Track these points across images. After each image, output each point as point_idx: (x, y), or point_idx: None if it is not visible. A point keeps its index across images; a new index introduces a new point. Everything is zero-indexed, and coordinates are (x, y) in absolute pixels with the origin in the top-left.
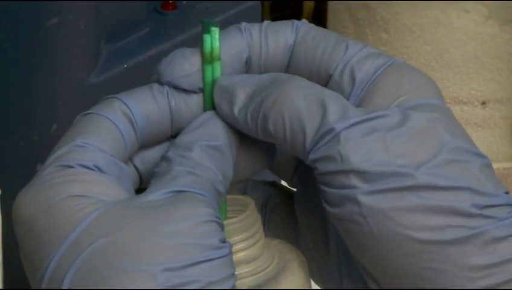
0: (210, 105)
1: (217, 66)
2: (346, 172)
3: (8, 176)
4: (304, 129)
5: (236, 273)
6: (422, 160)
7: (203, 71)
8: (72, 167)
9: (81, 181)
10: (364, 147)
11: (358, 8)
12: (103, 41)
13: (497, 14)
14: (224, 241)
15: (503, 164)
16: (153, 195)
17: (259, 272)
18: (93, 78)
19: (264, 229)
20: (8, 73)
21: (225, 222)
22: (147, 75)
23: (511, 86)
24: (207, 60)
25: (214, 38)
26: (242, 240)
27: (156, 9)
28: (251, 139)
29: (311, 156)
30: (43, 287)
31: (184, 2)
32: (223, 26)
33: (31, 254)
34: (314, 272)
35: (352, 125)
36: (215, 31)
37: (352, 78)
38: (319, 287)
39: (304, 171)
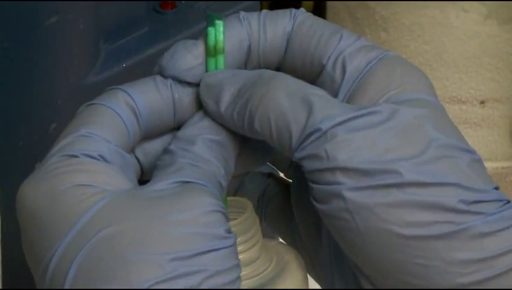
0: None
1: (221, 59)
2: (331, 169)
3: (8, 175)
4: (290, 128)
5: None
6: (409, 156)
7: (206, 64)
8: (76, 156)
9: (86, 170)
10: (350, 145)
11: (357, 7)
12: (102, 41)
13: (496, 13)
14: (229, 232)
15: (502, 163)
16: (159, 185)
17: (258, 275)
18: (92, 77)
19: (261, 221)
20: (7, 72)
21: None
22: (146, 74)
23: (510, 85)
24: (211, 53)
25: (218, 32)
26: (240, 243)
27: (155, 9)
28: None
29: (297, 155)
30: (48, 278)
31: (183, 1)
32: None
33: (35, 244)
34: (308, 265)
35: (338, 124)
36: (220, 24)
37: (344, 71)
38: (317, 288)
39: (297, 164)
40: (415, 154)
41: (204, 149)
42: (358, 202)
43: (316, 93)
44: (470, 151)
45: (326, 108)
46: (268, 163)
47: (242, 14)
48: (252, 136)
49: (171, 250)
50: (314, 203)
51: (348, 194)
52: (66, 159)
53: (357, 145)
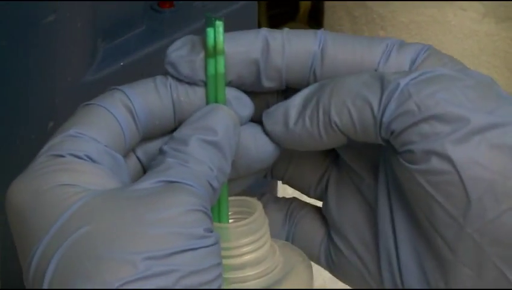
0: (212, 99)
1: (220, 60)
2: (426, 119)
3: (6, 174)
4: (369, 100)
5: (242, 275)
6: (490, 108)
7: (205, 64)
8: (63, 156)
9: (71, 170)
10: (435, 94)
11: (355, 6)
12: (100, 39)
13: (494, 12)
14: (210, 231)
15: None
16: (142, 184)
17: (265, 275)
18: (90, 76)
19: (290, 241)
20: (5, 71)
21: (233, 225)
22: (143, 72)
23: (507, 83)
24: (210, 53)
25: (217, 32)
26: (249, 243)
27: (153, 7)
28: (251, 138)
29: (385, 120)
30: (30, 276)
31: (181, 0)
32: None
33: (22, 242)
34: (361, 273)
35: (415, 78)
36: (219, 25)
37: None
38: (323, 289)
39: (336, 176)
40: (494, 107)
41: (197, 149)
42: (460, 151)
43: (383, 71)
44: None
45: (397, 74)
46: (290, 186)
47: (263, 30)
48: (330, 136)
49: (144, 249)
50: (409, 167)
51: (449, 145)
52: (52, 158)
53: (442, 96)
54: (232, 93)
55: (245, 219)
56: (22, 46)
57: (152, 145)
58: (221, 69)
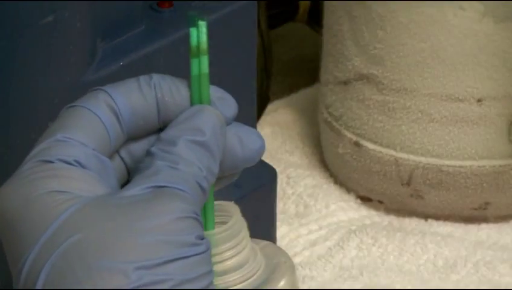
0: (196, 99)
1: (204, 60)
2: None
3: (4, 174)
4: None
5: (225, 281)
6: None
7: (190, 65)
8: (52, 162)
9: (61, 176)
10: None
11: (354, 5)
12: (99, 39)
13: (493, 11)
14: (202, 238)
15: (499, 161)
16: (132, 191)
17: (248, 279)
18: (89, 76)
19: None
20: (4, 71)
21: (211, 231)
22: (143, 72)
23: (507, 84)
24: (193, 53)
25: (200, 32)
26: (229, 248)
27: (152, 7)
28: (236, 138)
29: None
30: (21, 284)
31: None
32: (220, 25)
33: (12, 250)
34: None
35: None
36: (202, 25)
37: None
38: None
39: None
40: None
41: (186, 150)
42: None
43: None
44: None
45: None
46: None
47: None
48: None
49: (136, 258)
50: None
51: None
52: (41, 164)
53: None
54: (215, 93)
55: (223, 224)
56: (21, 46)
57: (136, 145)
58: (205, 69)
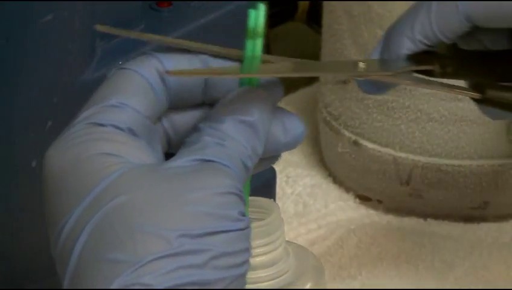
0: (246, 81)
1: (258, 43)
2: None
3: (4, 174)
4: None
5: (253, 276)
6: None
7: (245, 45)
8: (104, 125)
9: (112, 140)
10: None
11: (353, 4)
12: (98, 38)
13: None
14: (243, 215)
15: (498, 161)
16: (179, 161)
17: (277, 278)
18: (88, 75)
19: None
20: (3, 70)
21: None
22: None
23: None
24: (249, 34)
25: (259, 15)
26: (263, 245)
27: (151, 7)
28: (279, 122)
29: None
30: (60, 244)
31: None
32: (218, 24)
33: (54, 208)
34: None
35: None
36: (261, 8)
37: None
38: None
39: None
40: None
41: (233, 129)
42: None
43: None
44: None
45: None
46: None
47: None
48: None
49: (180, 226)
50: None
51: None
52: (92, 126)
53: None
54: (264, 77)
55: (261, 219)
56: (20, 46)
57: (178, 116)
58: (258, 52)
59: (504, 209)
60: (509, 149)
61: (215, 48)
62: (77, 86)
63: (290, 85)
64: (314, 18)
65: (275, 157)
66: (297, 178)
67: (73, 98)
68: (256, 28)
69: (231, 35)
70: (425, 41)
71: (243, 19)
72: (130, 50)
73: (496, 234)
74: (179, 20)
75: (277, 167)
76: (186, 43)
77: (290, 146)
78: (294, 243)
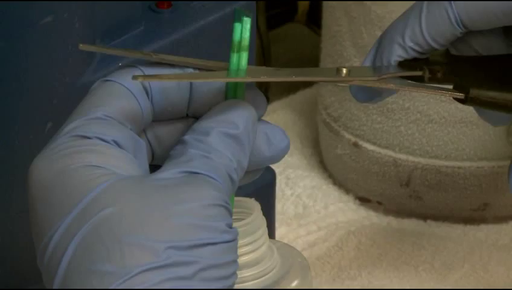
0: (231, 94)
1: (244, 56)
2: None
3: (4, 175)
4: None
5: (239, 276)
6: None
7: (229, 58)
8: (89, 138)
9: (98, 152)
10: None
11: (353, 6)
12: (98, 40)
13: None
14: (231, 227)
15: (498, 162)
16: (166, 173)
17: (263, 276)
18: (88, 77)
19: None
20: (3, 71)
21: None
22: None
23: None
24: (235, 48)
25: (244, 28)
26: (246, 244)
27: (151, 8)
28: (263, 136)
29: None
30: (47, 256)
31: (179, 0)
32: (218, 25)
33: (41, 219)
34: None
35: None
36: (247, 21)
37: None
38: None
39: None
40: None
41: (219, 142)
42: None
43: None
44: None
45: None
46: None
47: None
48: None
49: (168, 238)
50: None
51: None
52: (78, 139)
53: None
54: (248, 91)
55: (243, 219)
56: (20, 47)
57: (162, 128)
58: (243, 65)
59: (504, 210)
60: (509, 151)
61: (200, 62)
62: (77, 87)
63: (291, 86)
64: (314, 19)
65: (259, 170)
66: (297, 180)
67: (73, 99)
68: (242, 42)
69: (231, 36)
70: (417, 48)
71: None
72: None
73: (496, 235)
74: (178, 22)
75: (277, 168)
76: (170, 58)
77: (274, 159)
78: (278, 241)
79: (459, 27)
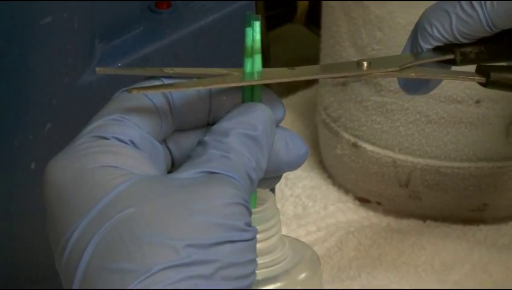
0: (248, 98)
1: (258, 58)
2: None
3: (3, 175)
4: None
5: None
6: None
7: (243, 64)
8: (107, 138)
9: (116, 153)
10: None
11: (352, 6)
12: (97, 40)
13: None
14: (250, 225)
15: (497, 163)
16: (185, 173)
17: (275, 265)
18: (88, 77)
19: None
20: (3, 72)
21: None
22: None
23: None
24: (248, 53)
25: (255, 32)
26: (259, 232)
27: (150, 8)
28: (282, 141)
29: None
30: (65, 256)
31: (178, 0)
32: (218, 26)
33: (58, 220)
34: None
35: None
36: (257, 24)
37: None
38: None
39: None
40: None
41: (238, 142)
42: None
43: None
44: None
45: None
46: None
47: None
48: None
49: (187, 237)
50: None
51: None
52: (96, 140)
53: None
54: (265, 95)
55: (256, 208)
56: (20, 47)
57: (183, 137)
58: (258, 68)
59: (503, 211)
60: (509, 151)
61: (215, 70)
62: (76, 87)
63: (290, 87)
64: (313, 20)
65: (277, 177)
66: (296, 180)
67: (73, 99)
68: (254, 45)
69: (231, 37)
70: (445, 41)
71: (243, 20)
72: (129, 52)
73: (495, 236)
74: (178, 22)
75: None
76: (188, 70)
77: (292, 165)
78: (290, 236)
79: (490, 29)
